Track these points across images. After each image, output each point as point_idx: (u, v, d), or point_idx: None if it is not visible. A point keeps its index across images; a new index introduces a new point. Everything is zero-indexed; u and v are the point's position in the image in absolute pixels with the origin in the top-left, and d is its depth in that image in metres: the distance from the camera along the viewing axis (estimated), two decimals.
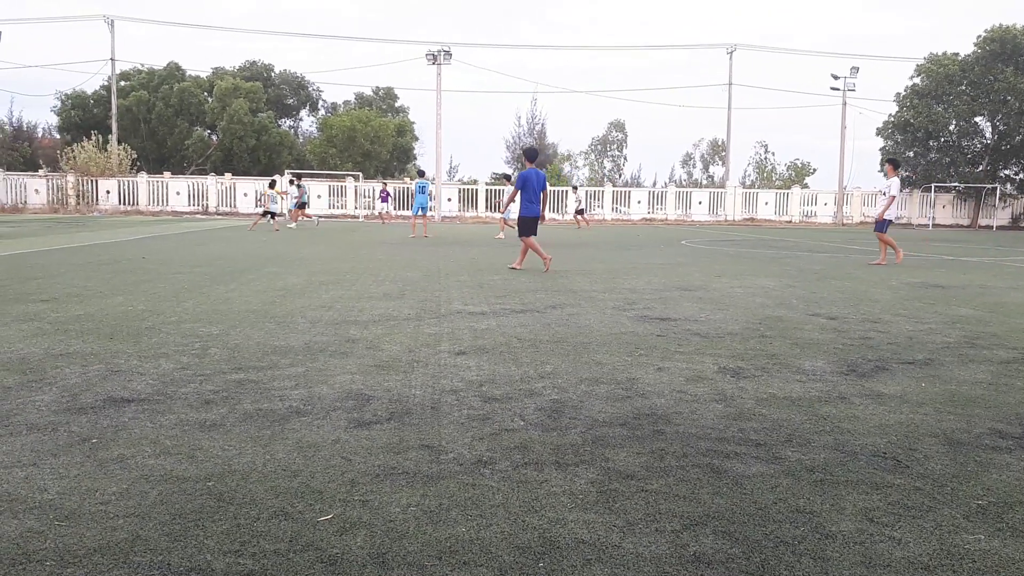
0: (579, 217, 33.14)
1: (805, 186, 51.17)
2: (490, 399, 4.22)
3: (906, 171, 43.70)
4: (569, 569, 2.34)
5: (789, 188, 46.60)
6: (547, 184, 12.41)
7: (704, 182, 61.17)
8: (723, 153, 53.97)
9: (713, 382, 4.71)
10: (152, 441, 3.44)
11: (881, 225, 14.94)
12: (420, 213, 21.88)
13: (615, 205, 44.17)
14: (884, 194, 15.24)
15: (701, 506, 2.83)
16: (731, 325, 6.84)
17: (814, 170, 58.76)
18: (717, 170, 61.94)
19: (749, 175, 60.30)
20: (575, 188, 38.10)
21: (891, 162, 15.41)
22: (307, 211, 31.10)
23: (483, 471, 3.14)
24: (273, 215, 26.66)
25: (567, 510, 2.77)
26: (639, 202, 44.20)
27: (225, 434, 3.56)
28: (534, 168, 12.15)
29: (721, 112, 46.86)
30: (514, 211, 12.28)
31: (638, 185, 55.51)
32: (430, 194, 24.05)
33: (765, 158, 61.05)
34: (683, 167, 65.95)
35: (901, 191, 43.64)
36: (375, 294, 8.64)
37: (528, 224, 12.18)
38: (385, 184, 39.15)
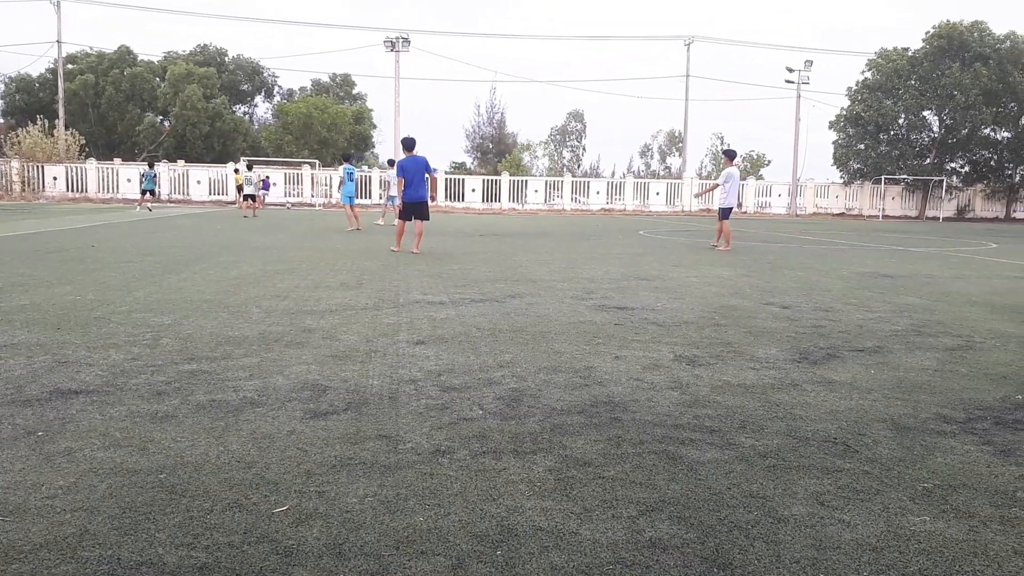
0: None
1: (760, 177, 52.00)
2: (449, 388, 4.21)
3: (857, 164, 44.73)
4: (527, 556, 2.35)
5: (744, 179, 47.30)
6: (430, 167, 13.15)
7: (662, 173, 61.76)
8: (680, 144, 54.51)
9: (669, 370, 4.76)
10: (101, 433, 3.36)
11: (724, 212, 15.63)
12: (348, 203, 20.09)
13: (574, 195, 44.34)
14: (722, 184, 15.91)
15: (657, 492, 2.86)
16: (687, 314, 6.93)
17: (769, 162, 59.83)
18: (674, 161, 62.56)
19: (706, 166, 61.04)
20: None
21: (726, 154, 16.41)
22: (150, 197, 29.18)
23: (441, 460, 3.14)
24: (252, 198, 26.48)
25: (525, 498, 2.78)
26: (598, 192, 44.43)
27: (177, 426, 3.49)
28: (412, 156, 12.94)
29: (679, 103, 47.43)
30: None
31: (597, 176, 55.78)
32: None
33: (721, 148, 61.81)
34: (641, 158, 66.46)
35: (850, 183, 44.82)
36: (332, 283, 8.54)
37: (407, 209, 13.00)
38: (268, 176, 38.59)
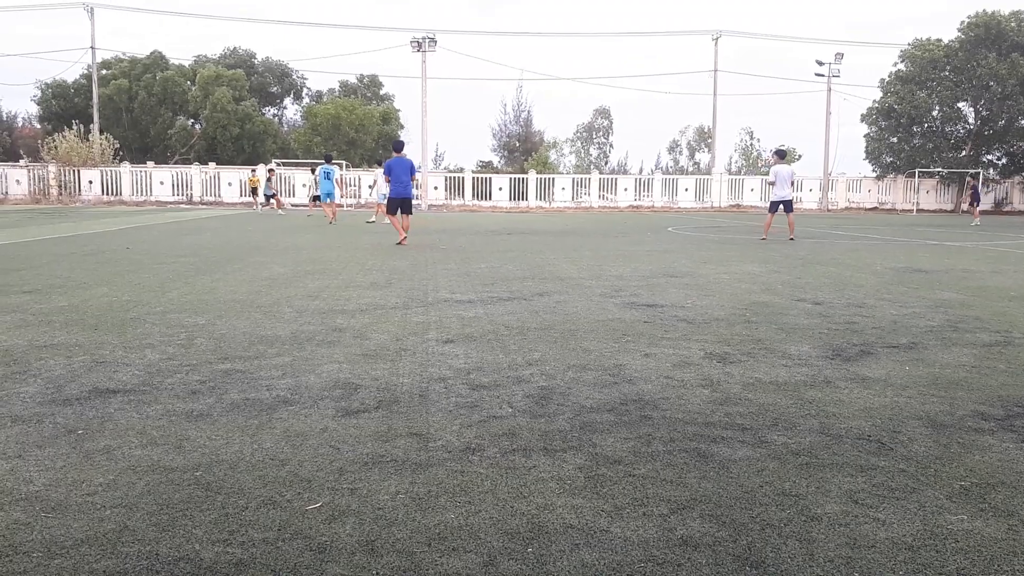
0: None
1: None
2: (478, 387, 4.23)
3: (890, 157, 44.00)
4: (558, 554, 2.36)
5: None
6: (415, 169, 15.27)
7: (690, 169, 61.28)
8: (709, 140, 54.07)
9: (700, 367, 4.73)
10: (139, 432, 3.43)
11: (772, 206, 17.74)
12: (328, 200, 22.63)
13: (602, 192, 44.18)
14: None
15: (688, 490, 2.85)
16: (717, 311, 6.88)
17: (799, 156, 59.00)
18: (703, 157, 62.07)
19: (735, 161, 60.49)
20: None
21: (775, 153, 19.12)
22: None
23: (471, 458, 3.15)
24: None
25: (555, 496, 2.78)
26: (626, 189, 44.25)
27: (212, 424, 3.55)
28: (399, 157, 14.60)
29: (707, 99, 47.10)
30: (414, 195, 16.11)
31: (624, 172, 55.52)
32: (338, 179, 24.57)
33: (751, 144, 61.25)
34: (670, 154, 66.02)
35: (883, 177, 44.04)
36: (362, 283, 8.61)
37: (393, 204, 14.71)
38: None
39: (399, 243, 14.21)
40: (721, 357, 5.02)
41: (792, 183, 17.74)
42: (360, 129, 48.65)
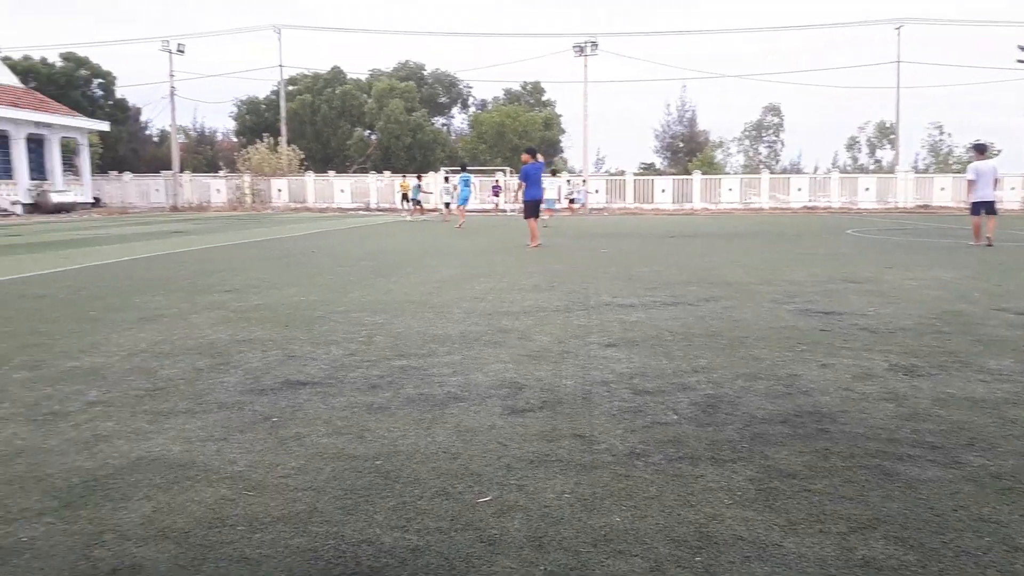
0: (572, 205, 35.26)
1: None
2: (641, 392, 4.20)
3: None
4: (728, 565, 2.30)
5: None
6: (543, 172, 16.58)
7: (871, 167, 57.24)
8: (892, 136, 50.29)
9: (883, 380, 4.43)
10: (325, 421, 3.70)
11: (972, 208, 15.49)
12: (462, 205, 24.63)
13: (772, 193, 42.29)
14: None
15: (870, 509, 2.68)
16: (903, 320, 6.39)
17: (998, 151, 53.47)
18: (885, 154, 57.77)
19: (923, 159, 55.84)
20: (555, 173, 34.87)
21: (975, 147, 16.90)
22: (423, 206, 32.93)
23: (636, 463, 3.13)
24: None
25: (724, 506, 2.71)
26: (799, 189, 42.08)
27: (390, 416, 3.76)
28: (534, 162, 15.34)
29: (889, 92, 43.85)
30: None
31: (798, 171, 52.80)
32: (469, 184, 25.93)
33: (940, 140, 56.28)
34: (848, 151, 61.94)
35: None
36: (525, 286, 8.78)
37: (530, 207, 15.49)
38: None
39: (533, 246, 14.69)
40: (908, 369, 4.66)
41: (996, 180, 15.92)
42: (523, 135, 49.58)
